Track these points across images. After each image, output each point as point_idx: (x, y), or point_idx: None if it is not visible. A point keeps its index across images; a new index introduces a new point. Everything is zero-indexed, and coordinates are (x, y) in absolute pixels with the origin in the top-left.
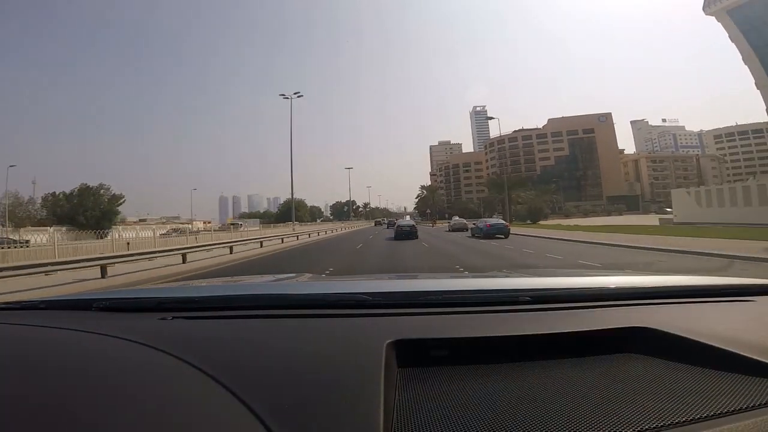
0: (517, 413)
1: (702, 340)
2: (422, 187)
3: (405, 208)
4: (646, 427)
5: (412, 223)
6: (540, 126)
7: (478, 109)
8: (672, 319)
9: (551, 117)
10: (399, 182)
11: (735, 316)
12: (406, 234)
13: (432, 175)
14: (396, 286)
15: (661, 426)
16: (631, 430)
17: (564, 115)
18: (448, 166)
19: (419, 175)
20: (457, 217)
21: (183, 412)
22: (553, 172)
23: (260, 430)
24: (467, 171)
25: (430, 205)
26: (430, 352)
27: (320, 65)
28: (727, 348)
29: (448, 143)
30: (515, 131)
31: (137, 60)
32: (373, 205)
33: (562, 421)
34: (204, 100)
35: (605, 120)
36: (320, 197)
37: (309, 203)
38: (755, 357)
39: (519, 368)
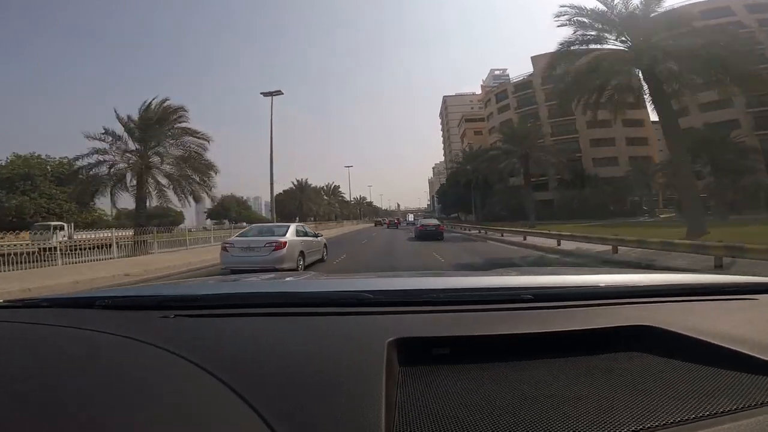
0: (519, 412)
1: (705, 338)
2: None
3: (398, 205)
4: (649, 425)
5: (437, 222)
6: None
7: (496, 72)
8: (674, 318)
9: None
10: (390, 179)
11: (738, 314)
12: (430, 235)
13: (468, 120)
14: (398, 284)
15: (664, 424)
16: (633, 428)
17: None
18: (507, 91)
19: (417, 173)
20: None
21: (185, 410)
22: None
23: (262, 428)
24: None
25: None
26: (432, 350)
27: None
28: (729, 346)
29: (472, 94)
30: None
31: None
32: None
33: (565, 419)
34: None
35: None
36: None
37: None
38: (758, 355)
39: (521, 367)
